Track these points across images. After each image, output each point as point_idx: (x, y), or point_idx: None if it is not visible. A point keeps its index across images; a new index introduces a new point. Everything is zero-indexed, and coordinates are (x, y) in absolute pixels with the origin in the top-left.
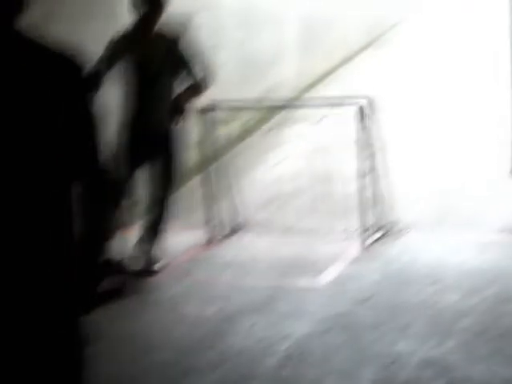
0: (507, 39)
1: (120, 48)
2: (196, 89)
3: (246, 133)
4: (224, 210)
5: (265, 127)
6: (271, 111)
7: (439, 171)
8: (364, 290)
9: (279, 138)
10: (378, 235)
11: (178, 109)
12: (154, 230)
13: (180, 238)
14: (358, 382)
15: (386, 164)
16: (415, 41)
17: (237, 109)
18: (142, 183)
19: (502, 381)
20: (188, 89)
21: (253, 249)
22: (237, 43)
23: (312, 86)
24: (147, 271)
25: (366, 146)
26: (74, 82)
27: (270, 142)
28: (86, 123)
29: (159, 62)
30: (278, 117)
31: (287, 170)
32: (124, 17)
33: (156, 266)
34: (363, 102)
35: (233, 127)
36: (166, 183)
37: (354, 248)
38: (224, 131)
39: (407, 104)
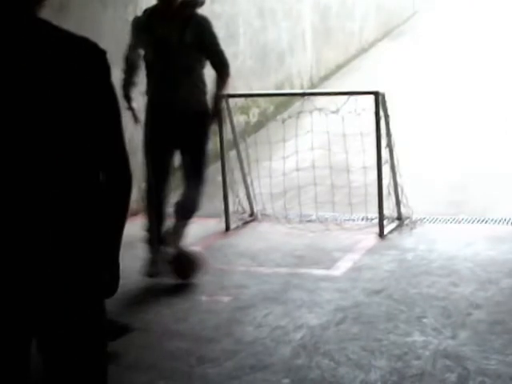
0: None
1: (143, 29)
2: (220, 76)
3: (262, 121)
4: (241, 199)
5: (282, 116)
6: (288, 100)
7: (454, 163)
8: (379, 280)
9: (296, 127)
10: (394, 226)
11: (216, 105)
12: (185, 219)
13: (196, 227)
14: (371, 373)
15: (402, 155)
16: (430, 32)
17: (254, 97)
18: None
19: None
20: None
21: (269, 238)
22: (254, 32)
23: (329, 75)
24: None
25: (384, 136)
26: (100, 66)
27: (287, 131)
28: (113, 107)
29: (182, 42)
30: (295, 106)
31: (304, 159)
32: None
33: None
34: (381, 91)
35: (250, 115)
36: (197, 173)
37: (369, 238)
38: (241, 119)
39: (423, 95)
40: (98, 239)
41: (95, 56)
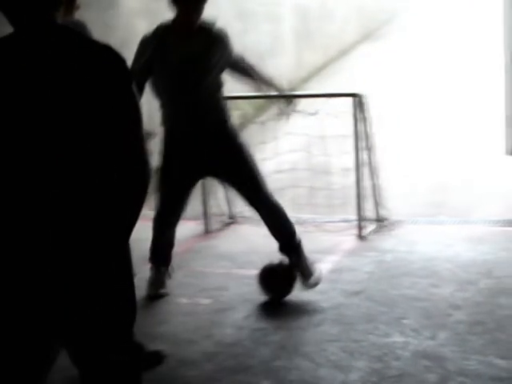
0: (500, 27)
1: (158, 49)
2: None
3: (243, 124)
4: (221, 201)
5: (262, 118)
6: (268, 102)
7: (434, 164)
8: (358, 281)
9: (276, 129)
10: (373, 227)
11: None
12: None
13: (176, 229)
14: (351, 374)
15: (381, 156)
16: (410, 34)
17: (234, 99)
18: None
19: (495, 373)
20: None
21: (248, 240)
22: (234, 35)
23: (309, 78)
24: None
25: (363, 138)
26: (119, 73)
27: (267, 134)
28: (133, 111)
29: (211, 61)
30: (274, 108)
31: (284, 162)
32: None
33: None
34: (360, 93)
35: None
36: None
37: (349, 240)
38: None
39: (403, 97)
40: (111, 234)
41: (114, 63)
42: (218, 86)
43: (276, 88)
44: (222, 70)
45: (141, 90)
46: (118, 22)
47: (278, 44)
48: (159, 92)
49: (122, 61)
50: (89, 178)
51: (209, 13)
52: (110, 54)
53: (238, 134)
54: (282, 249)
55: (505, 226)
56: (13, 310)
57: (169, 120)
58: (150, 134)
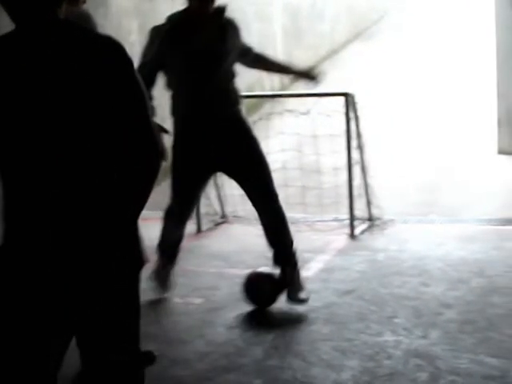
0: (492, 27)
1: (172, 39)
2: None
3: None
4: (212, 201)
5: (253, 118)
6: (259, 102)
7: (425, 163)
8: (350, 281)
9: (267, 128)
10: (365, 226)
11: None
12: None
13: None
14: (343, 373)
15: (373, 156)
16: (401, 33)
17: None
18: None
19: (486, 372)
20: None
21: (240, 239)
22: None
23: None
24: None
25: (354, 137)
26: (121, 60)
27: (258, 133)
28: (138, 92)
29: (225, 50)
30: (266, 107)
31: (275, 161)
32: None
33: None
34: (351, 92)
35: None
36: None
37: (341, 239)
38: None
39: (394, 96)
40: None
41: (115, 51)
42: (232, 76)
43: (297, 72)
44: (234, 60)
45: (153, 80)
46: (108, 21)
47: (269, 43)
48: (171, 82)
49: (121, 48)
50: (95, 173)
51: None
52: (110, 45)
53: (251, 128)
54: (277, 259)
55: (496, 224)
56: (19, 308)
57: (180, 111)
58: (164, 130)
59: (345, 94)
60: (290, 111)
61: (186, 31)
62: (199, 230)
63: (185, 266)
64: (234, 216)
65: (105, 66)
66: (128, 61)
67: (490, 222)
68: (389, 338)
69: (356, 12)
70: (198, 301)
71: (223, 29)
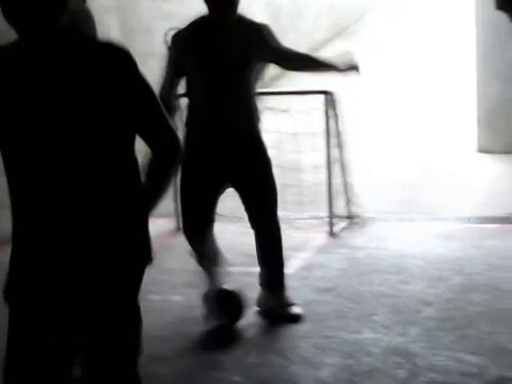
0: (473, 27)
1: (195, 46)
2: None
3: None
4: None
5: None
6: None
7: (405, 161)
8: (329, 278)
9: None
10: (344, 224)
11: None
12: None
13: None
14: (322, 370)
15: (352, 154)
16: (382, 32)
17: None
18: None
19: (465, 369)
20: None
21: (221, 237)
22: None
23: (280, 75)
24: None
25: (334, 135)
26: (125, 64)
27: None
28: (147, 91)
29: (249, 57)
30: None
31: None
32: None
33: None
34: (331, 91)
35: None
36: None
37: (320, 237)
38: None
39: (374, 95)
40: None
41: (119, 56)
42: (253, 91)
43: (338, 68)
44: (259, 72)
45: (173, 90)
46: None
47: None
48: (189, 91)
49: (125, 52)
50: (107, 173)
51: (180, 12)
52: (112, 51)
53: (267, 150)
54: (268, 283)
55: (475, 223)
56: (32, 308)
57: (196, 121)
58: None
59: (324, 92)
60: (269, 109)
61: (203, 38)
62: (179, 228)
63: (164, 263)
64: (215, 213)
65: (110, 72)
66: (132, 64)
67: (470, 220)
68: (368, 335)
69: (337, 10)
70: (176, 298)
71: (246, 37)
